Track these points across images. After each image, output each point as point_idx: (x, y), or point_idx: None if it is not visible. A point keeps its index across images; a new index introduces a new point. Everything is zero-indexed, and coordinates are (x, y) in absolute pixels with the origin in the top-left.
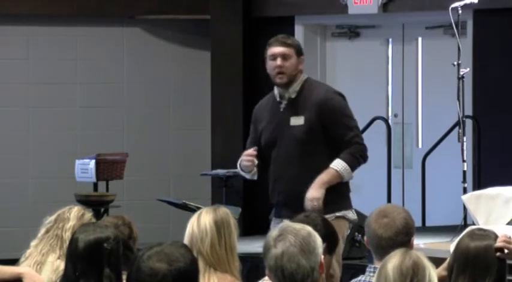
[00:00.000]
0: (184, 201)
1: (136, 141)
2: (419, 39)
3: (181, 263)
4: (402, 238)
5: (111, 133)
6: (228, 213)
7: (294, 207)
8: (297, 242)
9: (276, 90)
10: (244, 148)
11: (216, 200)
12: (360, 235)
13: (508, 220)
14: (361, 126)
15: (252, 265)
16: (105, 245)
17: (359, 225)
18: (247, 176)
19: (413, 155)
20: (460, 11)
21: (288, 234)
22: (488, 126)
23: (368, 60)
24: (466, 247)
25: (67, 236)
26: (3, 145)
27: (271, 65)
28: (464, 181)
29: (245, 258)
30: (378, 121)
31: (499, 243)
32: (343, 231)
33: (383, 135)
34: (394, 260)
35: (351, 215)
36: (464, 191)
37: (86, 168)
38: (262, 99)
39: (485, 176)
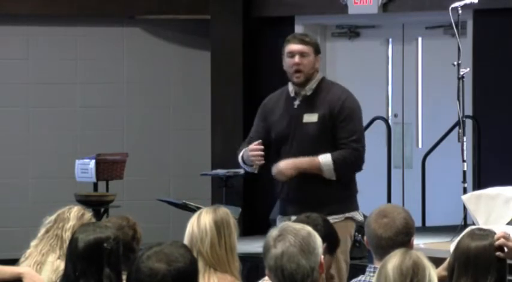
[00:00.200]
0: (184, 201)
1: (136, 141)
2: (419, 39)
3: (181, 263)
4: (402, 238)
5: (111, 133)
6: (228, 213)
7: (302, 205)
8: (296, 242)
9: (290, 87)
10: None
11: (216, 200)
12: (360, 235)
13: (508, 220)
14: None
15: (252, 265)
16: (105, 244)
17: (359, 225)
18: (248, 169)
19: (413, 155)
20: (460, 11)
21: (288, 234)
22: (488, 126)
23: (368, 60)
24: (467, 247)
25: (67, 236)
26: (3, 145)
27: (288, 62)
28: (464, 181)
29: (245, 258)
30: (378, 121)
31: (497, 241)
32: (350, 231)
33: (383, 135)
34: (394, 260)
35: (358, 216)
36: (464, 191)
37: (86, 168)
38: (272, 93)
39: (485, 176)
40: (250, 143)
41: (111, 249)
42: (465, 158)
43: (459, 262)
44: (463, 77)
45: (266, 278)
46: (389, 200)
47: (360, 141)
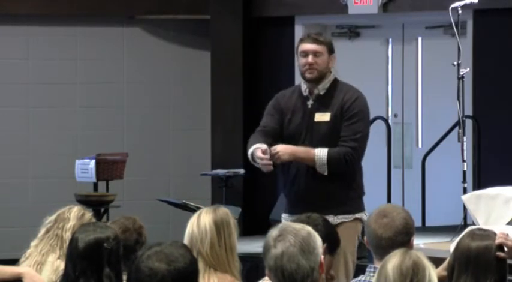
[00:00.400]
0: (184, 201)
1: (136, 141)
2: (419, 39)
3: (181, 263)
4: (402, 238)
5: (111, 133)
6: (228, 214)
7: (310, 204)
8: (296, 242)
9: (303, 86)
10: (244, 148)
11: (216, 200)
12: (360, 235)
13: (508, 220)
14: None
15: (252, 265)
16: (105, 244)
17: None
18: (258, 166)
19: (413, 155)
20: (460, 11)
21: (288, 234)
22: (488, 126)
23: (368, 60)
24: (467, 247)
25: (67, 236)
26: (3, 145)
27: (302, 62)
28: (464, 181)
29: (245, 258)
30: (378, 121)
31: (497, 240)
32: (358, 232)
33: (383, 135)
34: (394, 260)
35: (365, 217)
36: (464, 191)
37: (86, 168)
38: (284, 90)
39: (485, 176)
40: (262, 134)
41: (111, 249)
42: (465, 158)
43: (459, 262)
44: (463, 77)
45: (266, 278)
46: (389, 200)
47: (360, 142)
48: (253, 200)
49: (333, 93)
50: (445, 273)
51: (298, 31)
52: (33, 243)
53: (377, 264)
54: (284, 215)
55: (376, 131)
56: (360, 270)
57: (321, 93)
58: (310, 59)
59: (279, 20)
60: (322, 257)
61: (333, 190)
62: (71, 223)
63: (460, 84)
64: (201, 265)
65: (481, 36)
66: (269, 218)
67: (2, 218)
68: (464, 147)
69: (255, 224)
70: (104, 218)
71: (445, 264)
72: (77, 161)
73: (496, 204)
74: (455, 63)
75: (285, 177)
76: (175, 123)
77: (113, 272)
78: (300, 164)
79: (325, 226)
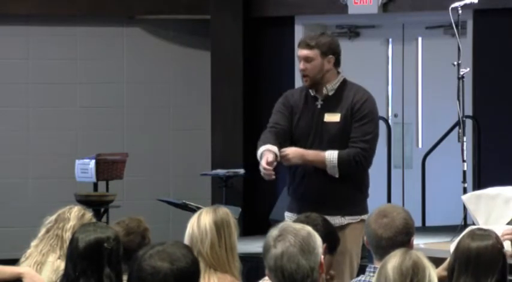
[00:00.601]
0: (184, 201)
1: (136, 141)
2: (419, 39)
3: (183, 263)
4: (402, 238)
5: (111, 133)
6: (228, 214)
7: (318, 204)
8: (296, 242)
9: None
10: (244, 148)
11: (216, 200)
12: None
13: (508, 220)
14: None
15: (252, 265)
16: (106, 244)
17: None
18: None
19: (413, 155)
20: (460, 11)
21: (288, 234)
22: (488, 126)
23: (368, 60)
24: (467, 247)
25: (67, 236)
26: (3, 145)
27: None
28: (464, 181)
29: (245, 258)
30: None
31: (506, 236)
32: (363, 233)
33: (383, 135)
34: (394, 260)
35: None
36: (464, 191)
37: (86, 168)
38: (293, 89)
39: (485, 176)
40: (273, 133)
41: (111, 249)
42: (465, 158)
43: (459, 262)
44: (463, 77)
45: (266, 278)
46: (389, 200)
47: (370, 143)
48: (253, 200)
49: (342, 94)
50: (445, 273)
51: (298, 31)
52: (33, 243)
53: (377, 264)
54: (289, 214)
55: None
56: (360, 270)
57: (330, 93)
58: (301, 65)
59: (279, 20)
60: (322, 257)
61: (341, 191)
62: (71, 223)
63: (460, 84)
64: (201, 265)
65: (481, 36)
66: (269, 218)
67: (2, 218)
68: (464, 147)
69: (255, 224)
70: (104, 218)
71: (445, 264)
72: (77, 161)
73: (496, 204)
74: (455, 63)
75: (292, 176)
76: (175, 123)
77: (113, 272)
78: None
79: (324, 226)
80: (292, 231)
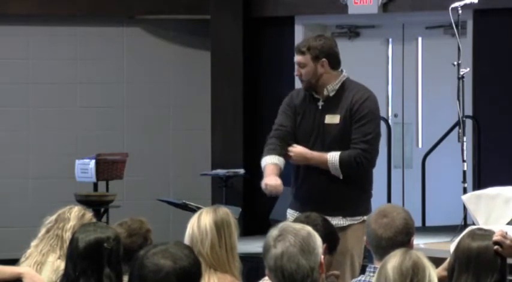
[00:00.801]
0: (184, 201)
1: (136, 141)
2: (419, 39)
3: (186, 262)
4: (402, 238)
5: (111, 133)
6: (228, 214)
7: (320, 204)
8: (296, 242)
9: None
10: (244, 148)
11: (216, 200)
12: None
13: (508, 220)
14: None
15: (252, 265)
16: (105, 244)
17: None
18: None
19: (413, 155)
20: (460, 11)
21: (288, 234)
22: (488, 126)
23: (368, 60)
24: (468, 247)
25: (67, 236)
26: (3, 145)
27: None
28: (464, 181)
29: (245, 258)
30: None
31: (495, 238)
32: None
33: (383, 135)
34: (394, 260)
35: None
36: (464, 191)
37: (86, 168)
38: (296, 89)
39: (485, 176)
40: (279, 136)
41: (111, 249)
42: (465, 158)
43: (460, 262)
44: (463, 77)
45: (266, 278)
46: (389, 200)
47: (371, 144)
48: (253, 200)
49: (342, 95)
50: (445, 273)
51: (298, 31)
52: (33, 243)
53: (377, 264)
54: (290, 211)
55: None
56: (360, 270)
57: (331, 94)
58: (296, 71)
59: (279, 20)
60: (322, 257)
61: (343, 192)
62: (72, 223)
63: (460, 84)
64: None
65: (481, 36)
66: (269, 218)
67: (2, 218)
68: (464, 147)
69: (255, 224)
70: (104, 218)
71: (445, 264)
72: (77, 161)
73: (496, 204)
74: (455, 63)
75: (295, 176)
76: (175, 123)
77: (113, 272)
78: None
79: (324, 226)
80: (292, 231)
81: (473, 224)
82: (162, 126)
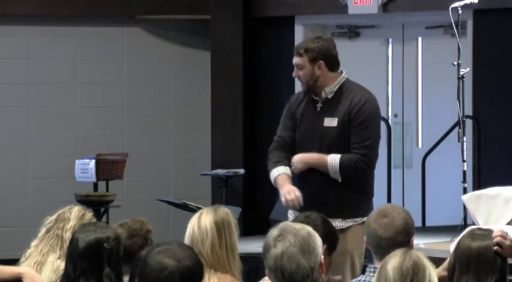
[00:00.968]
0: (184, 201)
1: (136, 141)
2: (419, 39)
3: (189, 262)
4: (402, 238)
5: (111, 133)
6: (229, 214)
7: (320, 205)
8: (296, 242)
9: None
10: (244, 148)
11: (216, 200)
12: None
13: (508, 220)
14: None
15: (252, 265)
16: (105, 244)
17: None
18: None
19: (413, 155)
20: (460, 11)
21: (288, 234)
22: (488, 126)
23: (368, 60)
24: (468, 247)
25: (67, 236)
26: (3, 145)
27: None
28: (464, 181)
29: (245, 258)
30: None
31: (495, 239)
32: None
33: (383, 135)
34: (394, 260)
35: None
36: (464, 191)
37: (86, 168)
38: (299, 92)
39: (485, 176)
40: (280, 147)
41: (111, 249)
42: (465, 158)
43: (460, 262)
44: (463, 77)
45: (266, 278)
46: (389, 200)
47: (371, 148)
48: (253, 200)
49: (340, 97)
50: (445, 273)
51: (298, 31)
52: (33, 243)
53: (377, 264)
54: (291, 211)
55: None
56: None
57: (329, 96)
58: (294, 73)
59: (279, 20)
60: (322, 257)
61: (343, 194)
62: (72, 223)
63: (460, 84)
64: None
65: (481, 36)
66: (269, 218)
67: (2, 218)
68: (464, 147)
69: (255, 224)
70: (104, 218)
71: (445, 264)
72: (77, 161)
73: (496, 204)
74: (455, 63)
75: (296, 176)
76: (175, 123)
77: (113, 272)
78: None
79: (324, 226)
80: (292, 231)
81: (473, 224)
82: (162, 126)
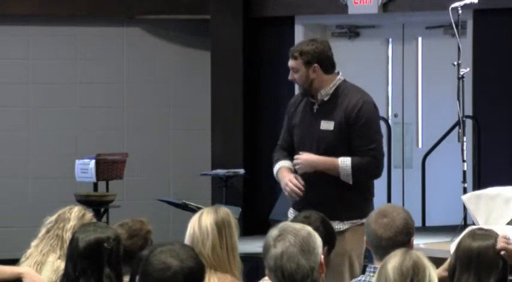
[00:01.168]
0: (184, 201)
1: (136, 141)
2: (419, 39)
3: (193, 263)
4: (402, 238)
5: (111, 133)
6: (229, 214)
7: (318, 206)
8: (296, 242)
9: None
10: (244, 148)
11: (216, 200)
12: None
13: (508, 220)
14: None
15: (252, 265)
16: (105, 244)
17: None
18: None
19: (413, 155)
20: (460, 11)
21: (288, 234)
22: (488, 126)
23: (368, 60)
24: (468, 247)
25: (68, 236)
26: (3, 145)
27: None
28: (464, 181)
29: (245, 258)
30: None
31: (499, 245)
32: (364, 236)
33: (383, 135)
34: (394, 260)
35: None
36: (464, 191)
37: (86, 168)
38: (298, 93)
39: (485, 176)
40: (283, 151)
41: (111, 249)
42: (465, 158)
43: (461, 262)
44: (463, 77)
45: (266, 278)
46: (389, 200)
47: (379, 150)
48: (253, 200)
49: (336, 100)
50: (445, 273)
51: (298, 31)
52: (33, 243)
53: (377, 264)
54: (291, 210)
55: None
56: (360, 270)
57: (325, 99)
58: (290, 76)
59: (279, 20)
60: (322, 256)
61: (342, 197)
62: (72, 223)
63: (460, 84)
64: None
65: (481, 36)
66: (269, 218)
67: (2, 218)
68: (464, 147)
69: (255, 224)
70: (104, 218)
71: (445, 264)
72: (77, 161)
73: (496, 204)
74: (455, 63)
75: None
76: (175, 123)
77: (113, 272)
78: None
79: (324, 226)
80: (292, 231)
81: (473, 224)
82: (162, 126)
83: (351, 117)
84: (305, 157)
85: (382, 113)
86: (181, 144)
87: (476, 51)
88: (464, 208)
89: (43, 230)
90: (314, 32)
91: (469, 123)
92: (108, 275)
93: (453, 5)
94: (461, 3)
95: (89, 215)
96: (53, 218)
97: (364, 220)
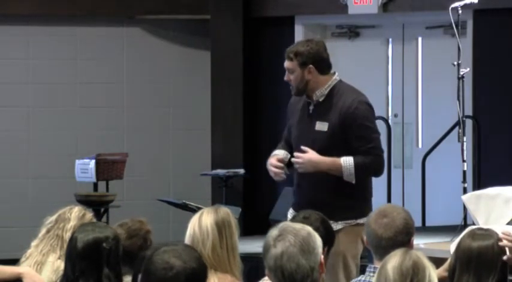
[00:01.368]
0: (184, 201)
1: (136, 141)
2: (419, 39)
3: (195, 264)
4: (402, 238)
5: (111, 133)
6: (229, 214)
7: (313, 207)
8: (296, 242)
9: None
10: (244, 148)
11: (216, 200)
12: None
13: (508, 220)
14: None
15: (252, 265)
16: (104, 244)
17: None
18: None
19: (413, 155)
20: (460, 11)
21: (288, 234)
22: (488, 126)
23: (368, 60)
24: (468, 247)
25: (68, 236)
26: (3, 145)
27: None
28: (464, 181)
29: (245, 258)
30: (378, 121)
31: (501, 243)
32: (362, 235)
33: (383, 135)
34: (394, 260)
35: None
36: (464, 191)
37: (86, 168)
38: None
39: (485, 176)
40: (282, 142)
41: (110, 249)
42: (465, 158)
43: (461, 262)
44: (463, 77)
45: (266, 278)
46: (389, 200)
47: (379, 149)
48: (253, 200)
49: (331, 101)
50: (445, 273)
51: (298, 31)
52: (33, 243)
53: (377, 264)
54: (291, 211)
55: None
56: (360, 270)
57: (320, 100)
58: (285, 77)
59: (279, 20)
60: (322, 256)
61: (343, 195)
62: (72, 223)
63: (460, 84)
64: None
65: (481, 36)
66: (269, 218)
67: (2, 218)
68: (464, 147)
69: (255, 224)
70: (104, 218)
71: (445, 265)
72: (77, 161)
73: (496, 204)
74: (455, 63)
75: (295, 176)
76: (175, 123)
77: (113, 272)
78: None
79: (324, 227)
80: (292, 231)
81: (473, 224)
82: (162, 126)
83: (346, 118)
84: (308, 156)
85: (382, 113)
86: (181, 144)
87: (476, 51)
88: (464, 208)
89: (43, 230)
90: (314, 32)
91: (469, 123)
92: (107, 275)
93: (453, 5)
94: (461, 3)
95: (89, 215)
96: (53, 218)
97: (359, 220)
